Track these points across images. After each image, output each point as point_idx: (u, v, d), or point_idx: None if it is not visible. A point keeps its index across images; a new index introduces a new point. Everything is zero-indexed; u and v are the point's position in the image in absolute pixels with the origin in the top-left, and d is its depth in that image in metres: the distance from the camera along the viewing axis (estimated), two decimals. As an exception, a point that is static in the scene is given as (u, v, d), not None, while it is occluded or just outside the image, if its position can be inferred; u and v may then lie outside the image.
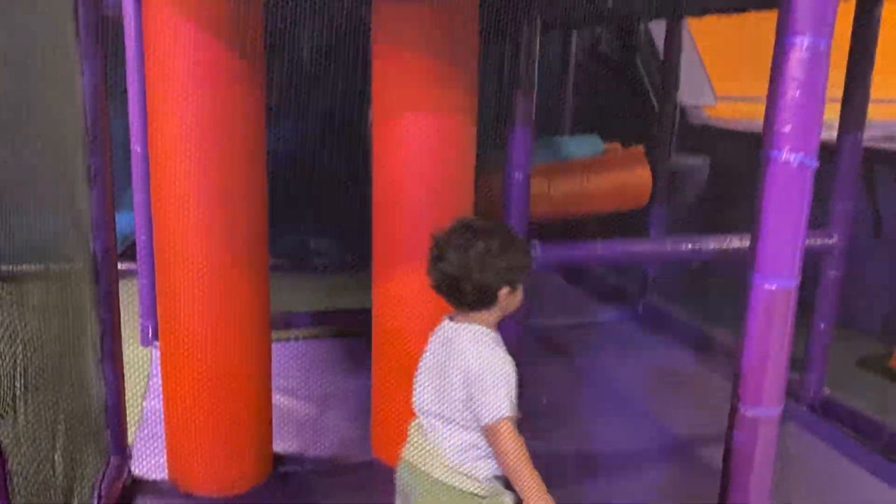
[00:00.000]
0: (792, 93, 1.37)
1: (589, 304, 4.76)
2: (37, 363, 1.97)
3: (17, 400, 1.81)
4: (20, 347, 1.92)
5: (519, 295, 1.68)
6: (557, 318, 4.44)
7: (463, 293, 1.63)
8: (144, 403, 3.20)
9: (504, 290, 1.63)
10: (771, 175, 1.41)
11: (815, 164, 1.40)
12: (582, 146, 4.60)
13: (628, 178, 4.31)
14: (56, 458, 2.06)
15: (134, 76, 3.50)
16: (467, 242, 1.62)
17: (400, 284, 2.63)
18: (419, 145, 2.50)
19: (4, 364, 1.72)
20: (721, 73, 5.94)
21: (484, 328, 1.66)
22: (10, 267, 2.42)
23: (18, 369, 1.81)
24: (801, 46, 1.35)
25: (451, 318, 1.72)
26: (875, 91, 3.18)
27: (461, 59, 2.49)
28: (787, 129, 1.38)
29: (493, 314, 1.66)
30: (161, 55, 2.36)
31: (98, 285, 2.46)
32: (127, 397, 2.69)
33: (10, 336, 1.89)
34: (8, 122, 1.87)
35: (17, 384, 1.80)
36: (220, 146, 2.40)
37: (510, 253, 1.63)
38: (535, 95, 2.70)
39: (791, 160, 1.39)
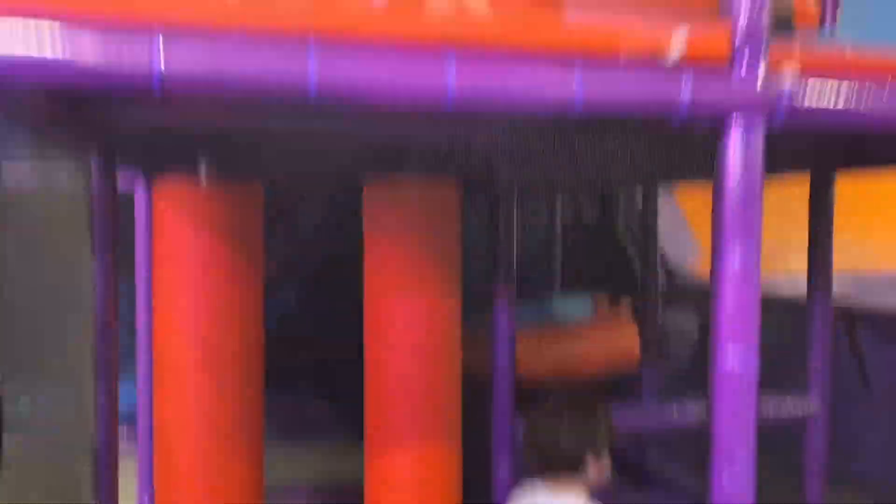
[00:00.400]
0: (731, 295, 1.53)
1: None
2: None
3: None
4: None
5: (606, 461, 1.93)
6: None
7: (555, 465, 1.91)
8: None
9: (591, 459, 1.89)
10: (719, 380, 1.55)
11: (755, 362, 1.54)
12: (572, 306, 4.76)
13: (616, 339, 4.44)
14: None
15: (142, 260, 3.72)
16: (557, 422, 1.91)
17: (391, 459, 2.70)
18: (406, 322, 2.65)
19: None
20: (708, 232, 6.17)
21: (579, 496, 1.91)
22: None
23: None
24: (733, 260, 1.53)
25: (543, 484, 1.94)
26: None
27: (444, 245, 2.70)
28: (727, 329, 1.53)
29: (584, 481, 1.91)
30: (166, 248, 2.57)
31: (97, 472, 2.54)
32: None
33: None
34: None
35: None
36: (219, 330, 2.56)
37: (597, 428, 1.92)
38: (515, 267, 2.88)
39: (735, 366, 1.53)
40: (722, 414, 1.53)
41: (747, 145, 1.51)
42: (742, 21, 1.52)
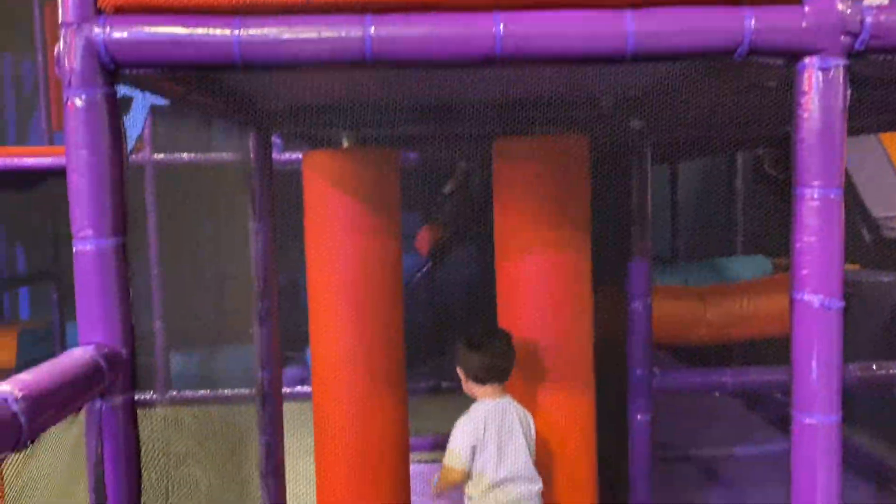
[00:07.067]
0: (807, 239, 1.44)
1: (765, 433, 4.52)
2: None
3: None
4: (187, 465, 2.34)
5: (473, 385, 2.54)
6: (728, 447, 4.27)
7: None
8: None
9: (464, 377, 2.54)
10: (797, 317, 1.47)
11: (837, 304, 1.44)
12: (747, 266, 4.53)
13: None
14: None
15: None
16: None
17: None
18: (536, 283, 2.70)
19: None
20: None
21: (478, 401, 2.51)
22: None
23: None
24: (811, 196, 1.44)
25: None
26: None
27: (573, 200, 2.71)
28: (805, 272, 1.45)
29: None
30: (317, 215, 2.83)
31: (264, 411, 2.87)
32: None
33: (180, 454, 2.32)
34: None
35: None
36: (366, 286, 2.78)
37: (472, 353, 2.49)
38: (650, 226, 2.82)
39: (813, 302, 1.44)
40: (799, 343, 1.46)
41: (824, 81, 1.41)
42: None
